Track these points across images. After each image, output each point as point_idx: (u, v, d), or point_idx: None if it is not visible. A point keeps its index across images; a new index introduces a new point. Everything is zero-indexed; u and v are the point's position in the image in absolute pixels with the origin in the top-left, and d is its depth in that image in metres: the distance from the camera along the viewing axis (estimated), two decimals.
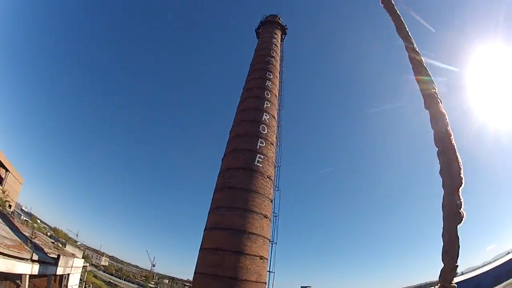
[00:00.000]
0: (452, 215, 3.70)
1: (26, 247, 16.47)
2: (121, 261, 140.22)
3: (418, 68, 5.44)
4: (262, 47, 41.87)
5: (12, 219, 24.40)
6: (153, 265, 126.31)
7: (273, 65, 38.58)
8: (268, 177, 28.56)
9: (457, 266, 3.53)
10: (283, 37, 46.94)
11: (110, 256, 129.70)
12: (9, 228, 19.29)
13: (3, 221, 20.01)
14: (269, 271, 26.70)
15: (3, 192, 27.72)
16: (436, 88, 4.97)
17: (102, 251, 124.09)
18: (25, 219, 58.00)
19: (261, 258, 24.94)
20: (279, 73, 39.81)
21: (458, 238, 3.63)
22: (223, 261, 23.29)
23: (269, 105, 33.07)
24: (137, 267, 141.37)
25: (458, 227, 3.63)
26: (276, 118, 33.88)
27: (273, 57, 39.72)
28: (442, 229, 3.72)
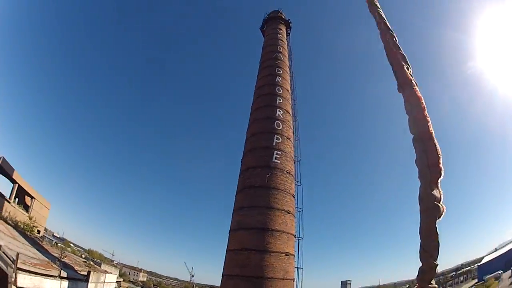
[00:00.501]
0: (430, 209, 3.44)
1: (54, 265, 16.77)
2: (160, 275, 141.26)
3: (395, 48, 5.15)
4: (269, 43, 41.56)
5: (40, 242, 25.04)
6: (192, 276, 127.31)
7: (281, 60, 38.15)
8: (287, 172, 28.21)
9: (437, 265, 3.31)
10: (288, 31, 46.37)
11: (148, 271, 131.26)
12: (38, 250, 19.72)
13: (31, 244, 20.47)
14: (297, 267, 26.36)
15: (30, 218, 28.62)
16: (411, 69, 4.67)
17: (139, 267, 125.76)
18: (56, 243, 59.54)
19: (286, 255, 24.62)
20: (289, 67, 39.30)
21: (438, 234, 3.38)
22: (248, 260, 23.18)
23: (281, 101, 32.71)
24: (176, 279, 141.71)
25: (437, 222, 3.38)
26: (291, 113, 33.49)
27: (280, 52, 39.30)
28: (419, 224, 3.47)
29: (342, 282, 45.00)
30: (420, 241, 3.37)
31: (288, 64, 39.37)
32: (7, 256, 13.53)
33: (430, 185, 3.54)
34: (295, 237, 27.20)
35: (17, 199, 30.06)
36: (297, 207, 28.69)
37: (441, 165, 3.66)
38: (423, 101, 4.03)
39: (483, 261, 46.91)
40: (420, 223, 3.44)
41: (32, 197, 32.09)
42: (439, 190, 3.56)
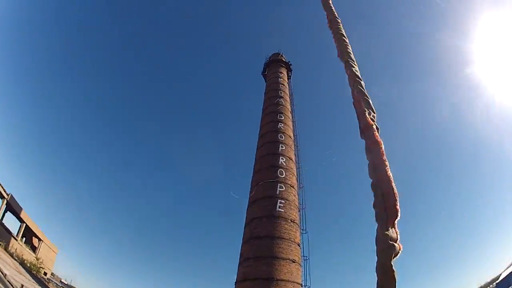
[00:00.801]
0: (386, 248, 3.51)
1: None
2: None
3: (358, 95, 5.24)
4: (270, 88, 42.84)
5: (46, 283, 25.20)
6: None
7: (283, 105, 39.23)
8: (292, 221, 28.47)
9: None
10: (289, 74, 47.67)
11: None
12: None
13: (36, 282, 20.71)
14: None
15: (37, 259, 28.92)
16: (374, 114, 4.83)
17: None
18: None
19: None
20: (291, 112, 40.31)
21: (394, 271, 3.40)
22: None
23: (284, 148, 33.49)
24: None
25: (393, 260, 3.43)
26: (294, 159, 34.18)
27: (281, 97, 40.45)
28: (376, 264, 3.50)
29: None
30: (376, 279, 3.41)
31: (290, 109, 40.37)
32: (11, 285, 13.91)
33: (386, 226, 3.64)
34: (301, 286, 27.21)
35: (24, 238, 30.62)
36: (303, 256, 28.80)
37: (398, 207, 3.72)
38: (382, 146, 4.13)
39: (501, 277, 45.33)
40: (376, 262, 3.51)
41: (39, 239, 32.63)
42: (395, 230, 3.65)
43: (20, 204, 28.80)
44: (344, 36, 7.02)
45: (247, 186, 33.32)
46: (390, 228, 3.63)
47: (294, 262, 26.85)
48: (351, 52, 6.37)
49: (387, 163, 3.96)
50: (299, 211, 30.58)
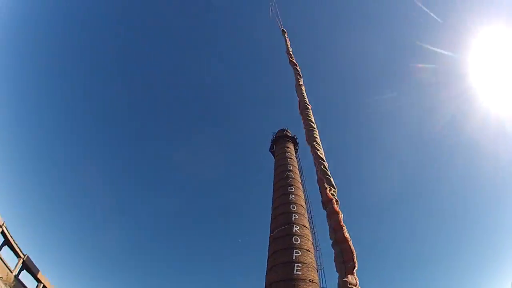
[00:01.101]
0: None
1: None
2: None
3: (321, 174, 6.26)
4: (279, 164, 46.46)
5: None
6: None
7: (293, 178, 42.47)
8: (310, 281, 30.27)
9: None
10: (296, 147, 51.39)
11: None
12: None
13: None
14: None
15: None
16: (334, 190, 5.83)
17: None
18: None
19: None
20: (301, 183, 43.29)
21: None
22: None
23: (297, 217, 36.30)
24: None
25: None
26: (308, 226, 36.64)
27: (291, 170, 43.80)
28: None
29: None
30: None
31: (300, 181, 43.48)
32: None
33: (345, 275, 4.41)
34: None
35: None
36: None
37: (355, 260, 4.51)
38: (340, 214, 4.89)
39: None
40: None
41: None
42: (355, 277, 4.43)
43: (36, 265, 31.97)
44: (312, 122, 8.48)
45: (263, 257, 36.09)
46: (349, 276, 4.41)
47: None
48: (317, 137, 7.66)
49: (344, 227, 4.79)
50: (317, 271, 32.49)
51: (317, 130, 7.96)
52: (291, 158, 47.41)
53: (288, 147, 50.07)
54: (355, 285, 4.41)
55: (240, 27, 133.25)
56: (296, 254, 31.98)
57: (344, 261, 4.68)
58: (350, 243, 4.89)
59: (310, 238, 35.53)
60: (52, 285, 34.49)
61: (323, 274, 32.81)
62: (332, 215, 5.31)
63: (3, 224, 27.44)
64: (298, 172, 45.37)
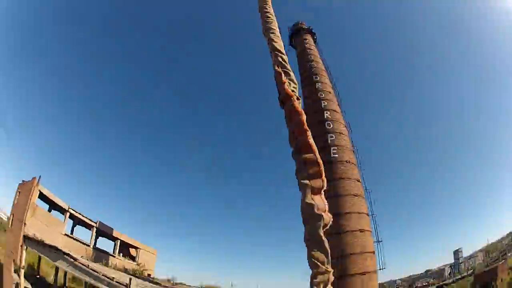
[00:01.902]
0: (311, 218, 3.43)
1: None
2: None
3: (279, 67, 5.07)
4: (301, 56, 44.09)
5: (153, 280, 29.10)
6: None
7: (316, 67, 40.85)
8: (347, 161, 30.90)
9: (329, 271, 3.27)
10: (314, 38, 48.78)
11: None
12: (149, 282, 23.74)
13: (144, 280, 24.30)
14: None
15: (138, 264, 33.44)
16: (295, 84, 4.84)
17: None
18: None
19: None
20: (326, 71, 41.83)
21: (324, 241, 3.33)
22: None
23: (326, 103, 35.46)
24: None
25: (323, 230, 3.37)
26: (339, 110, 36.12)
27: (312, 60, 41.90)
28: (303, 234, 3.47)
29: (454, 252, 44.46)
30: (307, 250, 3.39)
31: (323, 68, 42.00)
32: (119, 283, 17.50)
33: (311, 195, 3.57)
34: (367, 215, 29.77)
35: (121, 253, 34.68)
36: (365, 189, 31.25)
37: (323, 176, 3.72)
38: (303, 115, 4.07)
39: None
40: (304, 232, 3.47)
41: (136, 248, 36.81)
42: (323, 200, 3.58)
43: (109, 225, 33.12)
44: (271, 14, 7.17)
45: None
46: (315, 197, 3.58)
47: (356, 196, 29.32)
48: (276, 28, 6.43)
49: (309, 132, 3.96)
50: (353, 153, 32.74)
51: (276, 22, 6.51)
52: (311, 49, 44.73)
53: (306, 39, 47.17)
54: (324, 211, 3.42)
55: None
56: (331, 139, 31.69)
57: (309, 176, 3.69)
58: (316, 152, 3.89)
59: (343, 121, 35.11)
60: (128, 237, 35.62)
61: (358, 156, 33.42)
62: (293, 116, 4.19)
63: (69, 208, 27.73)
64: (320, 61, 43.30)
